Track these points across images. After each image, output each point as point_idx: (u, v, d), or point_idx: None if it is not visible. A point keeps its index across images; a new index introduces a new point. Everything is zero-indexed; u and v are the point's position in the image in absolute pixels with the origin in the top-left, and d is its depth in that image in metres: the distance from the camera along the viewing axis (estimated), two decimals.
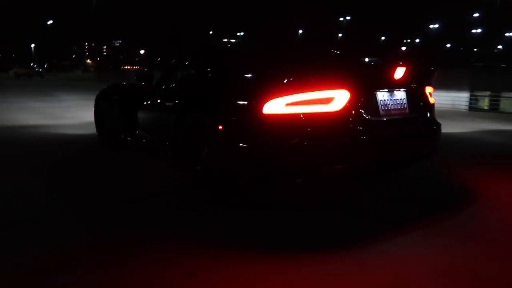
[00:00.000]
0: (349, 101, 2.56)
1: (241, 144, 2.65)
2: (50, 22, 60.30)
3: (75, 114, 8.97)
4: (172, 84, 3.88)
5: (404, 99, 2.92)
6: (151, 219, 2.73)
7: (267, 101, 2.51)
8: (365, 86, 2.67)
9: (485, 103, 12.31)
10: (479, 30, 70.42)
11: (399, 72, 2.76)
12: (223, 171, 2.79)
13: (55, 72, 49.20)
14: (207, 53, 3.65)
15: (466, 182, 3.65)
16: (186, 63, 4.07)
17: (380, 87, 2.77)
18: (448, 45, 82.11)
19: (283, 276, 2.00)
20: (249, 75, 2.87)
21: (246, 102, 2.66)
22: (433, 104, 3.23)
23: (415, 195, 3.33)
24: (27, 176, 3.76)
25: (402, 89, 2.92)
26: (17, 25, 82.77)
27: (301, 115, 2.49)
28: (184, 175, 3.43)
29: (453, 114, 9.84)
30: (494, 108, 11.46)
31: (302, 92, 2.48)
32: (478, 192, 3.34)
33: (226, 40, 4.22)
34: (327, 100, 2.52)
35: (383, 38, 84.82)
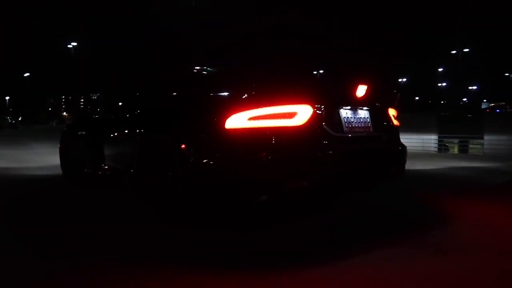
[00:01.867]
0: (312, 116, 2.56)
1: (204, 161, 2.57)
2: (26, 74, 60.31)
3: (44, 158, 8.70)
4: (136, 111, 3.83)
5: (367, 117, 2.96)
6: (106, 246, 2.56)
7: (229, 116, 2.49)
8: (328, 102, 2.70)
9: (455, 150, 12.72)
10: (444, 84, 74.44)
11: (361, 90, 2.82)
12: (187, 191, 2.68)
13: (30, 124, 48.48)
14: (169, 77, 3.66)
15: (435, 205, 3.66)
16: (149, 90, 4.06)
17: (344, 105, 2.81)
18: (417, 98, 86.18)
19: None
20: (211, 92, 2.86)
21: (208, 118, 2.62)
22: (397, 127, 3.28)
23: (384, 216, 3.29)
24: None
25: (365, 108, 2.96)
26: None
27: (264, 130, 2.46)
28: (146, 203, 3.30)
29: (423, 155, 10.07)
30: (463, 151, 11.84)
31: (264, 106, 2.48)
32: (447, 214, 3.34)
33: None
34: (290, 115, 2.51)
35: None
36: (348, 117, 2.81)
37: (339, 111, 2.77)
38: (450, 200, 3.96)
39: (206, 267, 2.14)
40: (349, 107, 2.84)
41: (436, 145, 10.97)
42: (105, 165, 4.23)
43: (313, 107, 2.58)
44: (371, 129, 2.96)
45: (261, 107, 2.48)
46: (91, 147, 4.43)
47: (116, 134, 4.07)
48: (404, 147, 3.25)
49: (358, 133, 2.85)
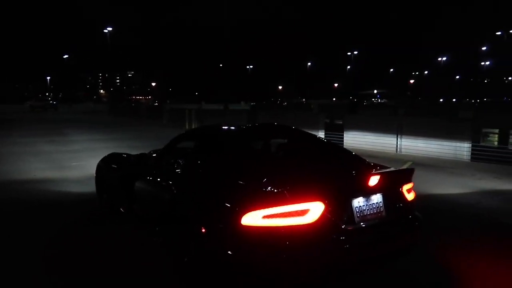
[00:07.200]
0: (324, 212, 2.69)
1: (220, 251, 2.78)
2: (66, 56, 62.81)
3: (82, 162, 9.25)
4: (166, 167, 3.96)
5: (380, 202, 3.03)
6: None
7: (245, 213, 2.66)
8: (340, 195, 2.82)
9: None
10: (488, 63, 70.92)
11: (374, 180, 2.89)
12: (206, 269, 2.92)
13: (70, 103, 50.74)
14: (199, 143, 3.84)
15: (452, 265, 3.59)
16: (179, 145, 4.24)
17: (356, 195, 2.90)
18: (458, 77, 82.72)
19: None
20: (229, 182, 3.02)
21: (226, 210, 2.81)
22: (412, 200, 3.29)
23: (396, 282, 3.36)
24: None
25: (378, 193, 3.03)
26: (34, 56, 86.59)
27: (278, 229, 2.63)
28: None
29: (452, 164, 9.69)
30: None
31: (278, 205, 2.63)
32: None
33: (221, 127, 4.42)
34: (302, 212, 2.65)
35: (391, 70, 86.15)
36: (360, 206, 2.90)
37: (351, 202, 2.87)
38: (476, 257, 3.80)
39: None
40: (361, 196, 2.93)
41: (469, 152, 10.55)
42: (135, 208, 4.47)
43: (325, 203, 2.70)
44: (384, 214, 3.03)
45: (274, 206, 2.63)
46: (122, 187, 4.66)
47: (146, 182, 4.27)
48: (419, 220, 3.26)
49: (370, 220, 2.94)
